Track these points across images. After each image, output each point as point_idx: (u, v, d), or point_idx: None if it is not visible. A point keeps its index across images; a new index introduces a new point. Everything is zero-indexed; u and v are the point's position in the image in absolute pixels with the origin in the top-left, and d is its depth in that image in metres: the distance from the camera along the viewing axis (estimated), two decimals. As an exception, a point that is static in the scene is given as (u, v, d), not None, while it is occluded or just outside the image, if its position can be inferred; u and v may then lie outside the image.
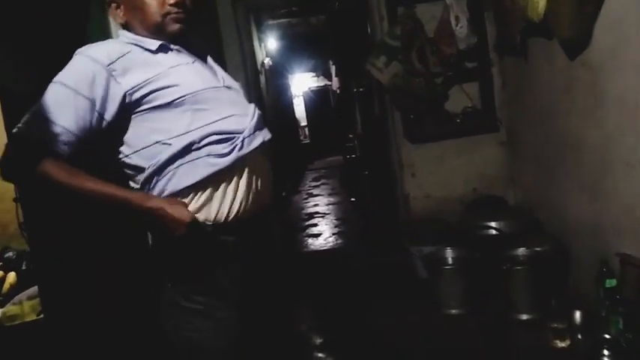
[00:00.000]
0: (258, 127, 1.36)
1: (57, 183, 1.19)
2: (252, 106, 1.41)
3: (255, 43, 5.00)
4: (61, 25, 1.81)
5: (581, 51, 2.36)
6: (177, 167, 1.26)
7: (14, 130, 1.22)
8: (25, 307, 2.60)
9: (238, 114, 1.34)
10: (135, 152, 1.28)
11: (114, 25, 1.87)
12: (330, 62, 10.67)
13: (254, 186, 1.34)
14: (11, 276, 2.95)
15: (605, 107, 2.27)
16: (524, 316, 2.52)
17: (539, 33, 2.68)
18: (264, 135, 1.38)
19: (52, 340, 2.10)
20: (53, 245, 2.00)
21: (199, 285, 1.28)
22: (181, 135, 1.26)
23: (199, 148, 1.26)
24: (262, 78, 5.35)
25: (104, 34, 1.84)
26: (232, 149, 1.28)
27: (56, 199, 1.83)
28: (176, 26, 1.33)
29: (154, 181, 1.27)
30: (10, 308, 2.64)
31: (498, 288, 2.65)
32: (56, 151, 1.20)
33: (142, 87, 1.24)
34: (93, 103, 1.21)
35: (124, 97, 1.23)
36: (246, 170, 1.32)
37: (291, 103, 11.85)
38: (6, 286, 2.91)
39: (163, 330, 1.32)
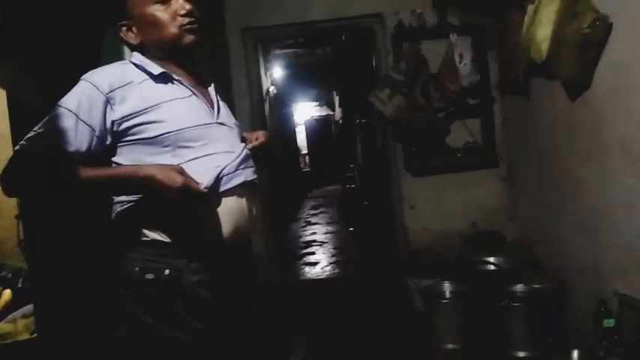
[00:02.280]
0: (242, 166, 1.38)
1: (69, 176, 1.23)
2: (242, 145, 1.43)
3: (262, 71, 5.08)
4: (76, 44, 1.85)
5: (583, 92, 2.41)
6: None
7: (17, 147, 1.25)
8: (19, 325, 2.56)
9: (222, 151, 1.35)
10: None
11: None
12: (334, 93, 10.81)
13: (228, 221, 1.34)
14: (6, 293, 2.92)
15: (605, 147, 2.30)
16: (521, 354, 2.50)
17: (541, 73, 2.73)
18: (247, 175, 1.40)
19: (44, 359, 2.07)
20: (52, 264, 2.00)
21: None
22: None
23: None
24: (267, 105, 5.42)
25: (117, 56, 1.88)
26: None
27: (57, 218, 1.84)
28: (190, 37, 1.35)
29: (125, 202, 1.32)
30: (3, 326, 2.61)
31: (495, 324, 2.64)
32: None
33: (130, 118, 1.27)
34: (93, 129, 1.25)
35: (113, 124, 1.26)
36: (219, 206, 1.33)
37: (294, 131, 11.94)
38: (1, 303, 2.88)
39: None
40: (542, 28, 2.44)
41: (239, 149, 1.40)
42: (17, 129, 1.91)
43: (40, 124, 1.25)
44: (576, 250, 2.66)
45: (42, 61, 1.84)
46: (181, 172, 1.21)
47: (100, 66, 1.34)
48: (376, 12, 3.66)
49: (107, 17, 1.91)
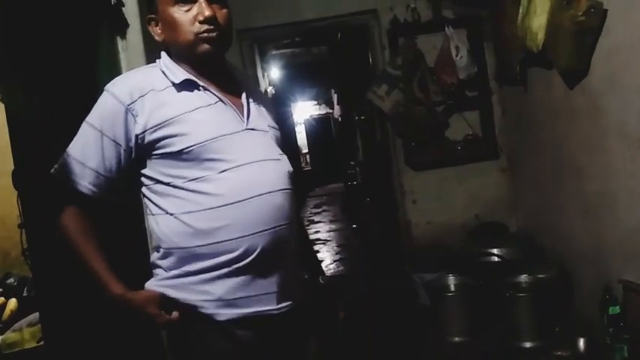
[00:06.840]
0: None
1: (65, 236, 1.26)
2: (278, 150, 1.37)
3: (259, 72, 5.08)
4: (70, 52, 1.85)
5: (580, 79, 2.40)
6: (182, 214, 1.25)
7: (52, 171, 1.27)
8: (25, 334, 2.57)
9: (254, 161, 1.28)
10: (148, 186, 1.30)
11: (123, 54, 1.91)
12: (332, 91, 10.81)
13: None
14: (12, 302, 2.93)
15: (605, 134, 2.30)
16: (528, 344, 2.50)
17: (538, 63, 2.73)
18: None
19: (52, 367, 2.07)
20: (56, 272, 2.00)
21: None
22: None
23: None
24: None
25: (112, 63, 1.88)
26: None
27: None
28: (205, 46, 1.27)
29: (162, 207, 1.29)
30: (10, 335, 2.62)
31: (501, 315, 2.64)
32: (82, 192, 1.24)
33: (152, 132, 1.23)
34: (118, 143, 1.23)
35: (137, 138, 1.24)
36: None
37: (293, 131, 11.95)
38: (6, 312, 2.88)
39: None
40: (537, 17, 2.43)
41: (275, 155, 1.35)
42: (16, 142, 1.91)
43: (71, 144, 1.26)
44: (580, 238, 2.66)
45: (38, 72, 1.84)
46: (159, 305, 1.23)
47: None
48: (370, 8, 3.65)
49: (101, 21, 1.92)
